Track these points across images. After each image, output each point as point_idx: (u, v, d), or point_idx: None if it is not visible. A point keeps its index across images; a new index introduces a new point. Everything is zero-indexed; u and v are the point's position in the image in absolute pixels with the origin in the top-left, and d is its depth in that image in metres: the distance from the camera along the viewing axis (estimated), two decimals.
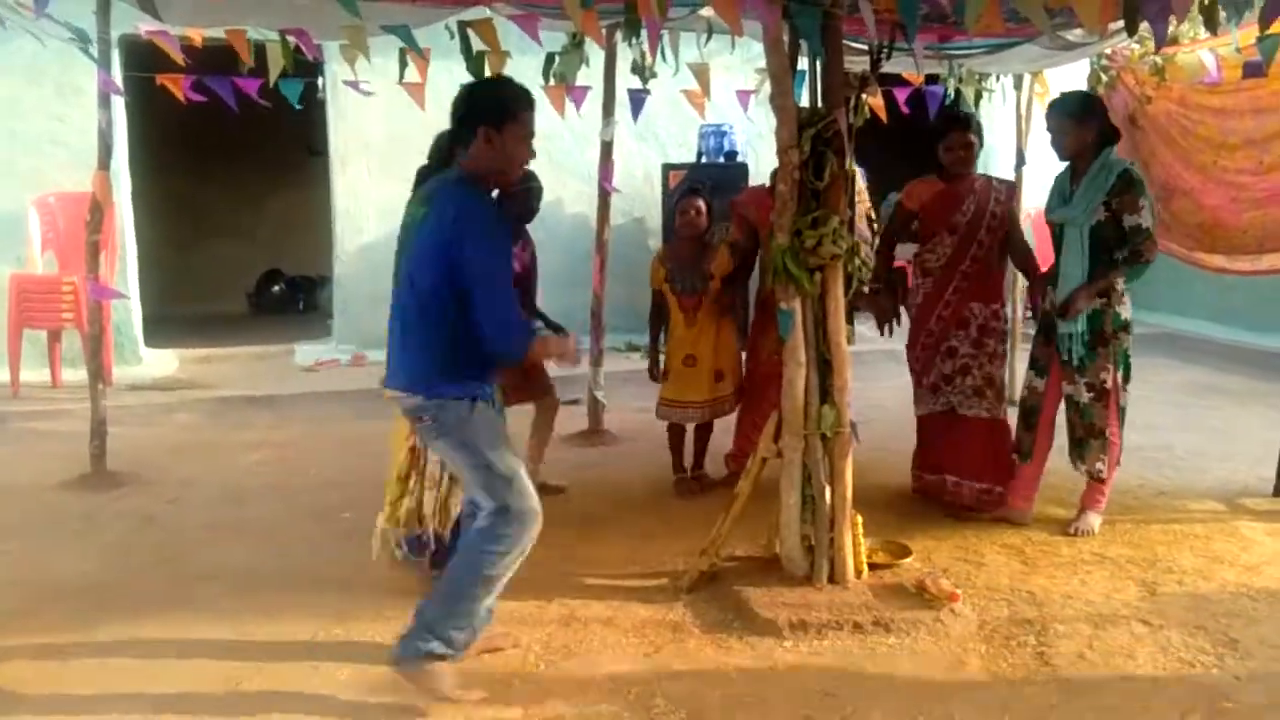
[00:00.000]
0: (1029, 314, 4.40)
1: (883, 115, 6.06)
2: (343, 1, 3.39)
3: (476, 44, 4.76)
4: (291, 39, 4.86)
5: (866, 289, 4.21)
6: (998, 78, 6.83)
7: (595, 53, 5.57)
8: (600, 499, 4.80)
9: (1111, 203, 4.01)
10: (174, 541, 4.32)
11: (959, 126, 4.41)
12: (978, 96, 6.56)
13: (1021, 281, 6.02)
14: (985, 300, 4.43)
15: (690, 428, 4.90)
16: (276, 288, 11.20)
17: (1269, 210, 5.15)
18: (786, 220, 3.48)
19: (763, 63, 3.86)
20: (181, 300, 10.28)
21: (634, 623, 3.43)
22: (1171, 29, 4.75)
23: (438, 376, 2.86)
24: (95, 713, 2.89)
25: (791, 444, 3.57)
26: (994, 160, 8.12)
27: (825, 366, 3.55)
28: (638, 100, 5.73)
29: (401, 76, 5.01)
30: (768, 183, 4.46)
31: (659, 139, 8.77)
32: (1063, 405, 4.23)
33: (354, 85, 5.47)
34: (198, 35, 5.26)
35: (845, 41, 3.75)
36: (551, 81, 5.45)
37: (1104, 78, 5.98)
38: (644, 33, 4.89)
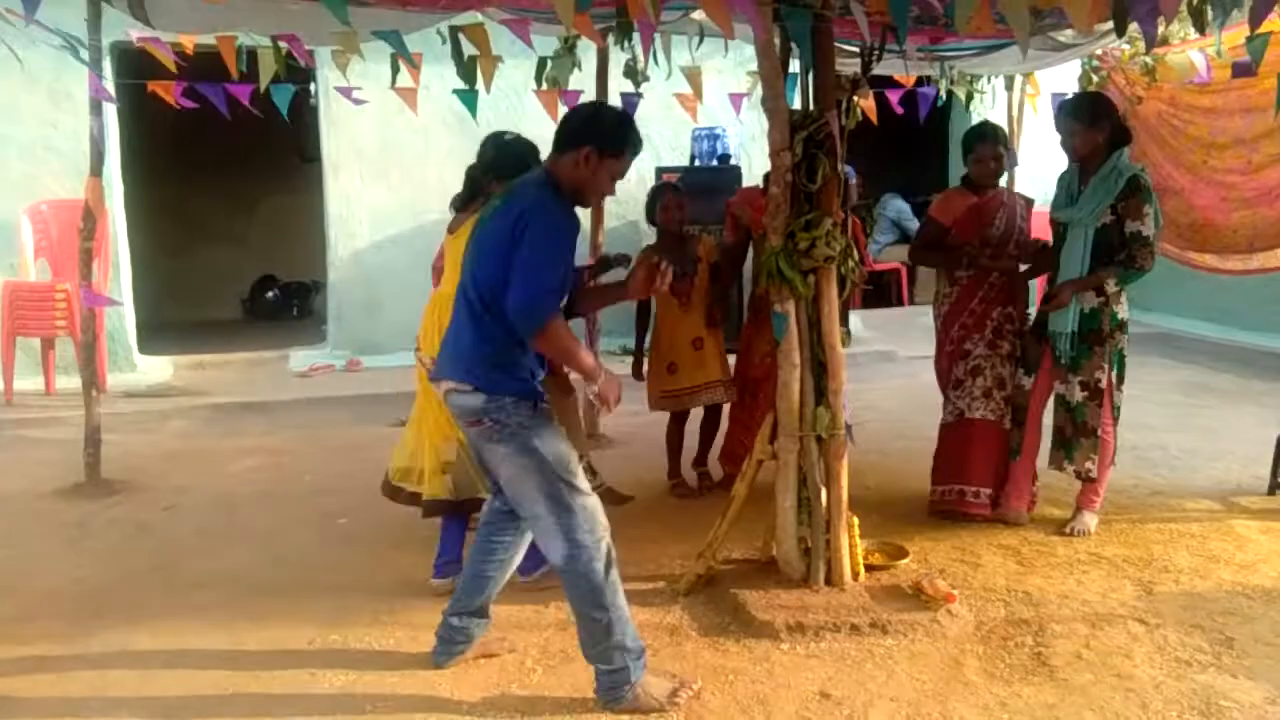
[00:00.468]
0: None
1: (874, 117, 6.07)
2: (332, 9, 3.38)
3: (468, 49, 4.76)
4: (283, 44, 4.86)
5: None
6: (989, 79, 6.85)
7: (587, 57, 5.58)
8: None
9: (1118, 206, 4.01)
10: (168, 549, 4.31)
11: (988, 139, 4.40)
12: (969, 98, 6.58)
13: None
14: (1005, 307, 4.42)
15: (685, 426, 4.91)
16: (270, 294, 11.18)
17: (1258, 210, 5.17)
18: (780, 222, 3.48)
19: (755, 65, 3.87)
20: (175, 307, 10.25)
21: None
22: (1161, 29, 4.77)
23: (496, 372, 2.81)
24: None
25: (787, 446, 3.57)
26: None
27: (820, 368, 3.55)
28: (630, 104, 5.72)
29: (393, 82, 5.01)
30: (761, 185, 4.46)
31: (652, 142, 8.75)
32: (1051, 406, 4.23)
33: (346, 94, 5.47)
34: (189, 42, 5.25)
35: (836, 44, 3.76)
36: (544, 86, 5.45)
37: (1095, 78, 6.00)
38: (636, 36, 4.91)
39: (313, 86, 7.60)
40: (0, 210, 7.32)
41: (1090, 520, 4.23)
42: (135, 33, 5.08)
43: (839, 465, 3.58)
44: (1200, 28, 4.06)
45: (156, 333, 8.76)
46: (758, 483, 3.70)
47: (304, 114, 7.63)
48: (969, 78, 6.38)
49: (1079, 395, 4.13)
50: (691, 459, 4.99)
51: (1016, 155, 6.69)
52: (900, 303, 10.26)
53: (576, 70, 5.45)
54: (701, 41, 5.20)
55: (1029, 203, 4.58)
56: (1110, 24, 3.86)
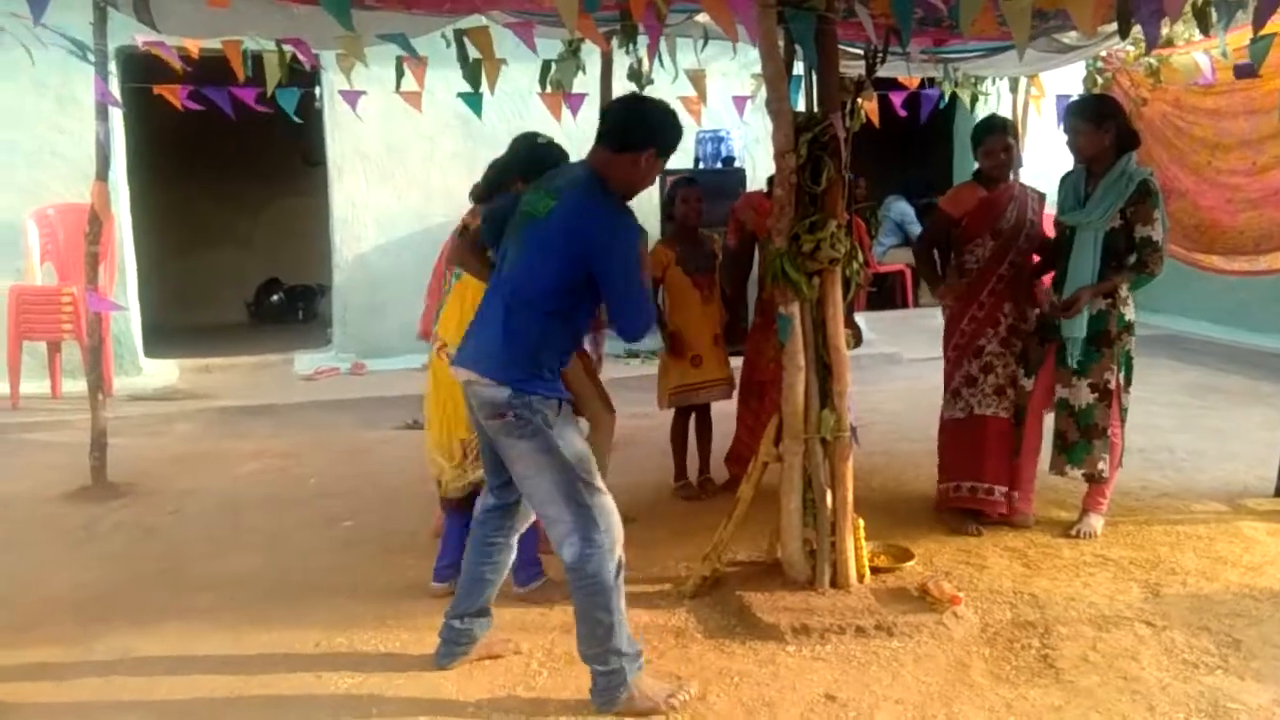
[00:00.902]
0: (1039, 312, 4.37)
1: (875, 119, 6.06)
2: (336, 14, 3.39)
3: (472, 52, 4.76)
4: (289, 48, 4.87)
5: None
6: (993, 81, 6.84)
7: (591, 60, 5.58)
8: None
9: (1127, 211, 4.00)
10: (174, 552, 4.32)
11: (997, 131, 4.38)
12: (974, 100, 6.57)
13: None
14: (1016, 302, 4.40)
15: (690, 431, 4.93)
16: (275, 297, 11.20)
17: (1264, 211, 5.16)
18: (784, 225, 3.48)
19: (759, 68, 3.87)
20: (181, 310, 10.27)
21: (636, 628, 3.38)
22: (1165, 31, 4.76)
23: (525, 368, 2.80)
24: None
25: (792, 448, 3.56)
26: None
27: (825, 370, 3.55)
28: None
29: (398, 85, 5.02)
30: (765, 188, 4.47)
31: None
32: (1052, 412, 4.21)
33: (350, 101, 5.48)
34: (194, 46, 5.27)
35: (840, 46, 3.75)
36: (548, 89, 5.46)
37: (1099, 80, 6.00)
38: (641, 39, 4.92)
39: (317, 90, 7.62)
40: (7, 214, 7.33)
41: (1096, 522, 4.22)
42: (141, 37, 5.10)
43: (844, 467, 3.58)
44: (1205, 29, 4.05)
45: (162, 336, 8.79)
46: (763, 485, 3.70)
47: (309, 117, 7.65)
48: (973, 79, 6.37)
49: (1088, 397, 4.12)
50: (696, 468, 4.99)
51: (1021, 157, 6.67)
52: (904, 305, 10.26)
53: (580, 73, 5.46)
54: (706, 44, 5.20)
55: (1041, 196, 4.56)
56: (1113, 25, 3.85)
